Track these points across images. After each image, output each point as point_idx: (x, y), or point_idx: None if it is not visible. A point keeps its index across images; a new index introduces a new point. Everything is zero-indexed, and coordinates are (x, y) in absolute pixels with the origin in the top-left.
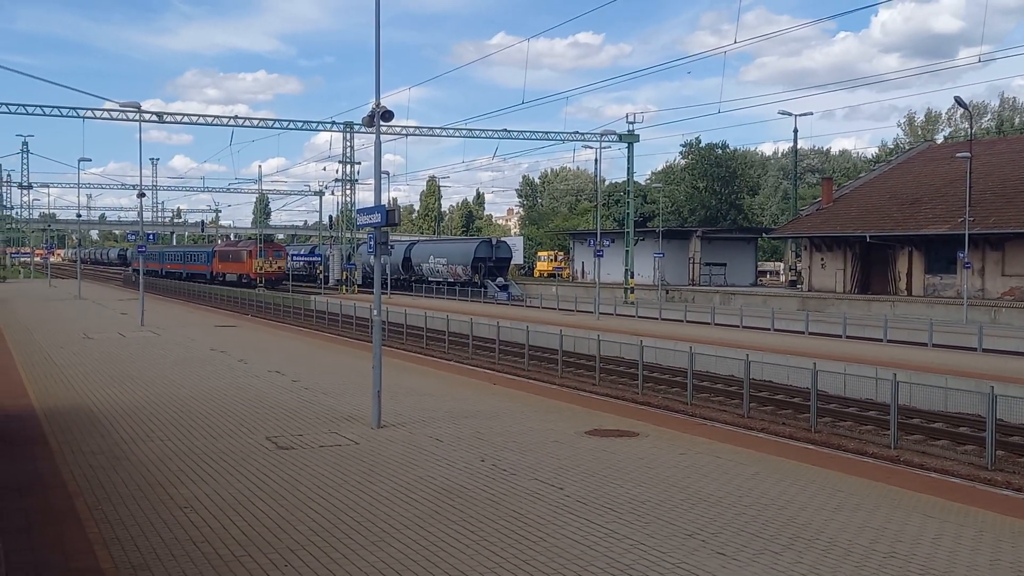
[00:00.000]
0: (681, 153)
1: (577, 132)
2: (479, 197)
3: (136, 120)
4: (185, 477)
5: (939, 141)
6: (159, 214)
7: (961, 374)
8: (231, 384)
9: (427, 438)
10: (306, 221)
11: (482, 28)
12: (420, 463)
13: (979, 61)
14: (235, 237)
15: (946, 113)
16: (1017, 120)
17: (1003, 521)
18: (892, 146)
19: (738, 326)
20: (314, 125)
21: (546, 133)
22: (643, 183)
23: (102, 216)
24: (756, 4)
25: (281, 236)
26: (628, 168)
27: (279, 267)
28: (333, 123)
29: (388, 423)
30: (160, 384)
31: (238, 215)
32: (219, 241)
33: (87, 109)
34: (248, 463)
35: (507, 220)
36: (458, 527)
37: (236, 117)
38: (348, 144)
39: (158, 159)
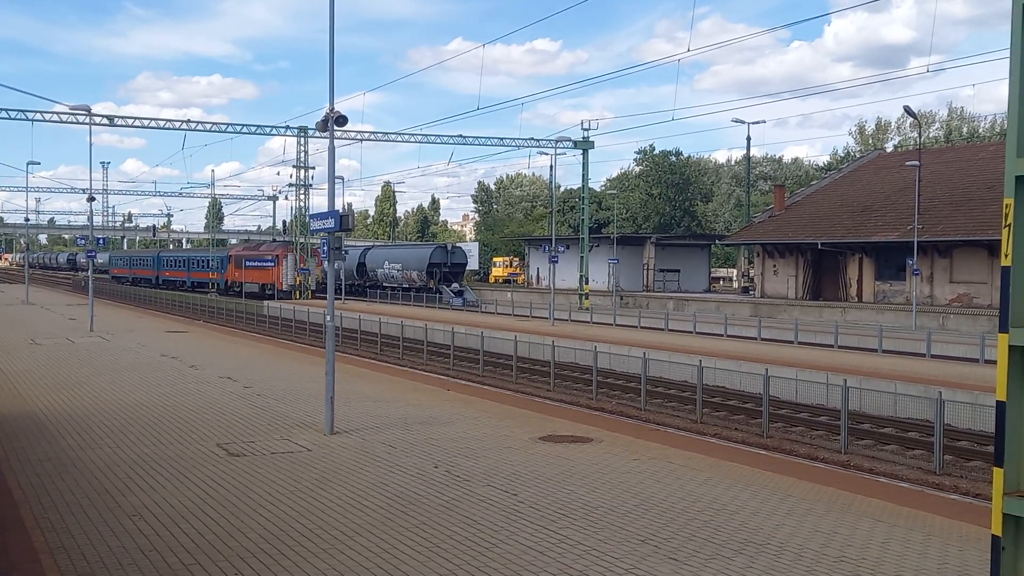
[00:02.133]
0: (636, 160)
1: (533, 138)
2: (434, 203)
3: (87, 123)
4: (134, 485)
5: (889, 149)
6: (110, 218)
7: (910, 380)
8: (181, 390)
9: (380, 444)
10: (260, 226)
11: (439, 34)
12: (373, 469)
13: (927, 71)
14: (187, 243)
15: (896, 122)
16: (965, 129)
17: (950, 525)
18: (843, 154)
19: (691, 332)
20: (268, 129)
21: (502, 139)
22: (598, 189)
23: (51, 220)
24: (712, 12)
25: (234, 241)
26: (583, 175)
27: (318, 276)
28: (287, 127)
29: (341, 429)
30: (109, 390)
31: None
32: (233, 242)
33: (36, 112)
34: (198, 470)
35: (463, 226)
36: (411, 534)
37: (189, 121)
38: (302, 149)
39: (109, 163)
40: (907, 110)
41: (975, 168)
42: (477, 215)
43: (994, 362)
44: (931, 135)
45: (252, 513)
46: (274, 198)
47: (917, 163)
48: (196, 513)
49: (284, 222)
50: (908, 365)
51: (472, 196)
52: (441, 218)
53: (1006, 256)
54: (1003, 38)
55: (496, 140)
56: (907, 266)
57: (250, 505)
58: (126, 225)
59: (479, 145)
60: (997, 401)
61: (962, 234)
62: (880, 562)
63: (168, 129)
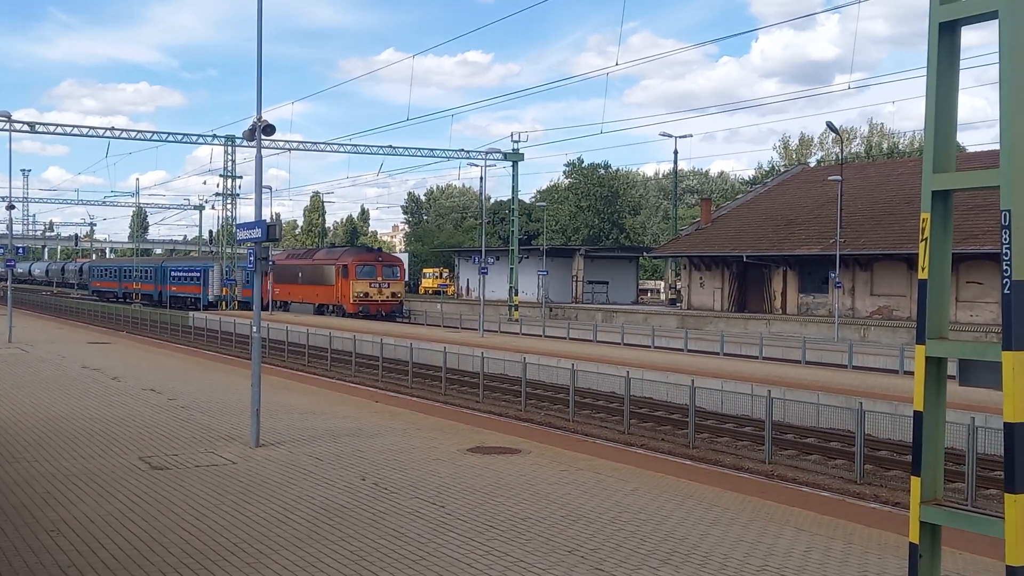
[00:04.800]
0: (565, 172)
1: (463, 150)
2: (364, 213)
3: (6, 130)
4: (52, 499)
5: (812, 164)
6: (30, 227)
7: (832, 390)
8: (103, 403)
9: (307, 457)
10: (186, 236)
11: (370, 44)
12: (299, 482)
13: (848, 88)
14: (111, 252)
15: (819, 137)
16: (885, 145)
17: (870, 533)
18: (768, 168)
19: (619, 343)
20: (195, 138)
21: (431, 150)
22: (528, 201)
23: None
24: (642, 27)
25: (159, 251)
26: (513, 186)
27: (394, 293)
28: (214, 136)
29: (267, 442)
30: (27, 403)
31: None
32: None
33: None
34: (119, 484)
35: (392, 236)
36: (337, 547)
37: (113, 128)
38: (230, 158)
39: (30, 170)
40: (829, 126)
41: (895, 183)
42: (407, 226)
43: (912, 373)
44: (852, 150)
45: (175, 527)
46: (201, 207)
47: (839, 178)
48: (117, 528)
49: (211, 232)
50: (830, 376)
51: (402, 207)
52: (371, 229)
53: (923, 269)
54: (922, 57)
55: (426, 151)
56: (829, 279)
57: (172, 519)
58: (47, 234)
59: (409, 156)
60: (914, 411)
61: (882, 248)
62: (802, 571)
63: (92, 137)
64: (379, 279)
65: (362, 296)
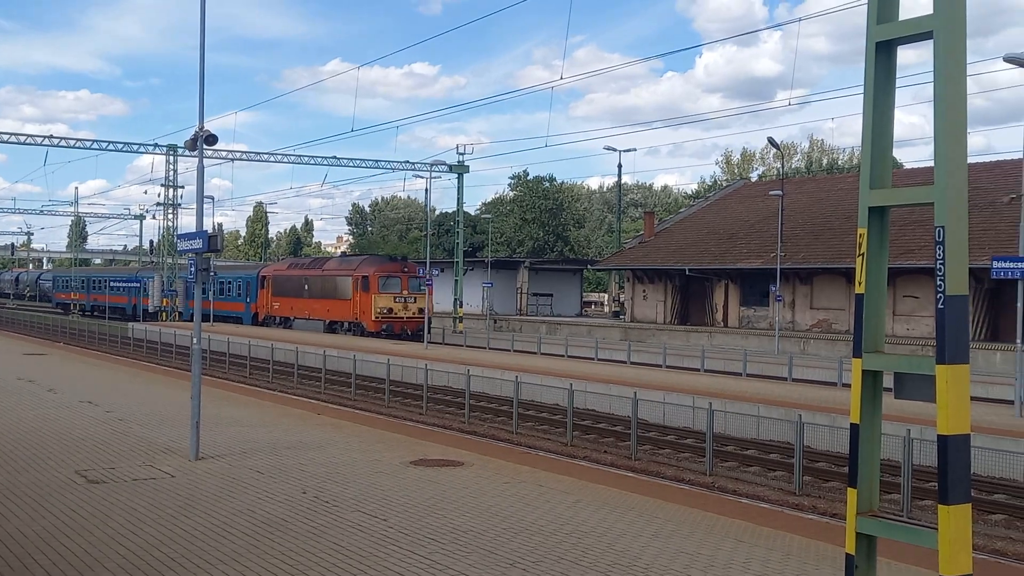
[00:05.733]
0: (510, 185)
1: (408, 161)
2: (308, 224)
3: None
4: None
5: (754, 179)
6: None
7: (772, 403)
8: (38, 415)
9: (247, 470)
10: (126, 246)
11: (316, 54)
12: (239, 496)
13: (789, 104)
14: (48, 262)
15: (760, 152)
16: (825, 161)
17: (808, 544)
18: (711, 183)
19: (563, 355)
20: (136, 147)
21: (377, 161)
22: (473, 213)
23: None
24: (587, 41)
25: (99, 261)
26: (458, 198)
27: (421, 309)
28: (155, 145)
29: (207, 455)
30: None
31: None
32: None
33: None
34: (55, 498)
35: (337, 247)
36: (277, 561)
37: (52, 136)
38: (171, 167)
39: None
40: (771, 141)
41: (834, 198)
42: (352, 237)
43: (850, 385)
44: (793, 166)
45: (111, 542)
46: (141, 217)
47: (780, 193)
48: (51, 543)
49: (151, 242)
50: (771, 388)
51: (347, 218)
52: (315, 240)
53: (859, 284)
54: (862, 74)
55: (372, 162)
56: (770, 292)
57: (109, 534)
58: None
59: (354, 167)
60: (851, 424)
61: (822, 262)
62: None
63: (29, 144)
64: (404, 293)
65: (385, 312)
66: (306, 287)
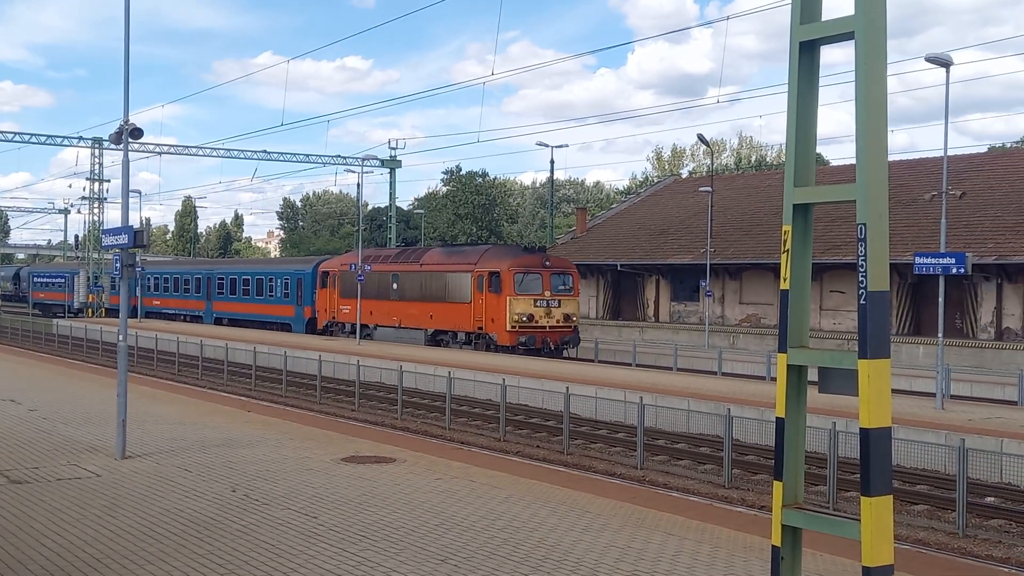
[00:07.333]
0: (443, 180)
1: (340, 156)
2: (238, 218)
3: None
4: None
5: (684, 175)
6: None
7: (702, 397)
8: None
9: (175, 468)
10: (50, 240)
11: (247, 47)
12: (167, 495)
13: (719, 102)
14: None
15: (691, 149)
16: (753, 157)
17: (737, 536)
18: (642, 179)
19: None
20: (60, 140)
21: (308, 156)
22: (406, 208)
23: None
24: (521, 37)
25: (22, 256)
26: (390, 193)
27: (567, 315)
28: (80, 138)
29: (133, 453)
30: None
31: None
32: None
33: None
34: None
35: (268, 242)
36: (205, 560)
37: None
38: (97, 161)
39: None
40: (700, 138)
41: (763, 194)
42: (282, 232)
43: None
44: (723, 162)
45: (34, 543)
46: (66, 211)
47: (709, 189)
48: None
49: (76, 236)
50: (701, 383)
51: (277, 212)
52: (245, 234)
53: (785, 280)
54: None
55: (302, 156)
56: (700, 287)
57: (32, 535)
58: None
59: (285, 161)
60: (776, 418)
61: (751, 257)
62: (670, 574)
63: None
64: (547, 294)
65: (524, 320)
66: (395, 286)
